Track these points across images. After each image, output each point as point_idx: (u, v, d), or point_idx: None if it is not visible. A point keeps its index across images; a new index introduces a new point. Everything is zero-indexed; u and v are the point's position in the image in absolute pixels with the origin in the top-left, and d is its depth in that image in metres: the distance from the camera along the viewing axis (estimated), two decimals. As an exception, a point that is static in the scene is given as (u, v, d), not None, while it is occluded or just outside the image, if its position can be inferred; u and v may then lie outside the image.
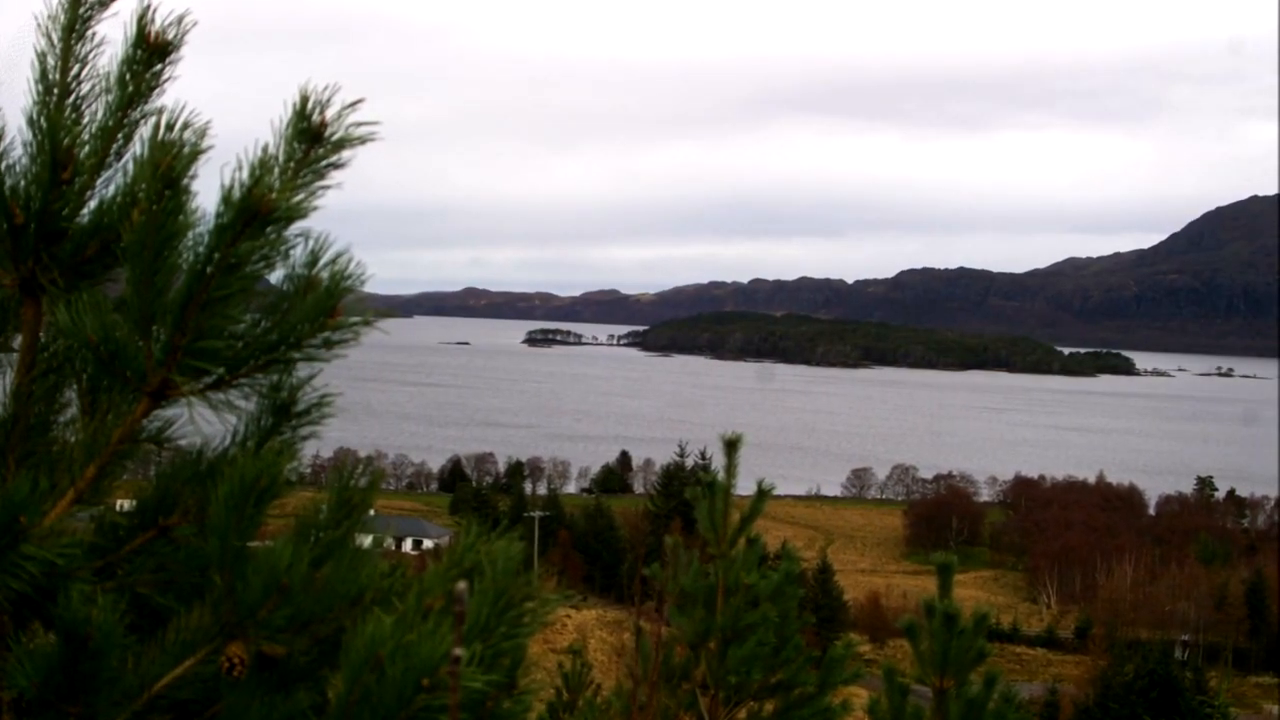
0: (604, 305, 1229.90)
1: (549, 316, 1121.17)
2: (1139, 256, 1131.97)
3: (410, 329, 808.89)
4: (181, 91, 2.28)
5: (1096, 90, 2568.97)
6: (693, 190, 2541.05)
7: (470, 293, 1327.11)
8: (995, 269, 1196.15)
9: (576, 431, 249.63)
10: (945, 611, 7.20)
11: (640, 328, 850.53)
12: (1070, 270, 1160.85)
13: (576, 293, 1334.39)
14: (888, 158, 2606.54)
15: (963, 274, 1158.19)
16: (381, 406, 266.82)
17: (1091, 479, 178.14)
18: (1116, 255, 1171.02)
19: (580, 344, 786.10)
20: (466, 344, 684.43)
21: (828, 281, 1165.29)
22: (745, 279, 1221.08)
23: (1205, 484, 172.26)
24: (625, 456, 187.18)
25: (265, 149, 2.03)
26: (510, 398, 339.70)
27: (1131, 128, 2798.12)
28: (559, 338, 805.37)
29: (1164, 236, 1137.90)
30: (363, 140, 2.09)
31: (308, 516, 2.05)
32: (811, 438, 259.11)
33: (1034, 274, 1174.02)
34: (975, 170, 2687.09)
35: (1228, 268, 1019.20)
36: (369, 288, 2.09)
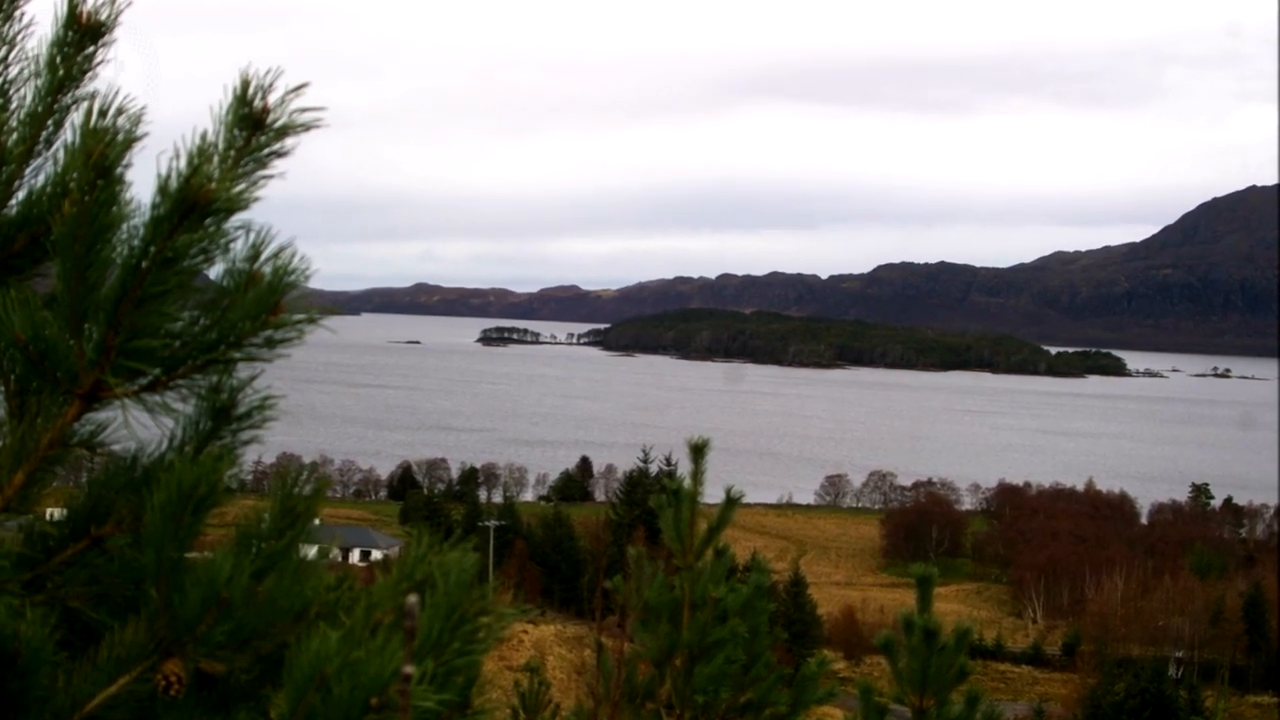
0: (563, 302, 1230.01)
1: (505, 314, 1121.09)
2: (1130, 250, 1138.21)
3: (358, 327, 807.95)
4: (115, 75, 2.28)
5: (1085, 73, 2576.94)
6: (657, 181, 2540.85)
7: (421, 289, 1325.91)
8: (978, 263, 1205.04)
9: (534, 436, 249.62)
10: (925, 627, 7.23)
11: (601, 326, 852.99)
12: (1057, 265, 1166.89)
13: (534, 289, 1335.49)
14: (863, 146, 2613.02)
15: (943, 269, 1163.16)
16: (327, 409, 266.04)
17: (1080, 486, 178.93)
18: (1106, 249, 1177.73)
19: (538, 343, 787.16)
20: (417, 343, 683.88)
21: (800, 277, 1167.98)
22: (713, 274, 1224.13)
23: (1200, 491, 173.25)
24: (585, 462, 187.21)
25: (204, 136, 2.02)
26: (464, 400, 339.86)
27: (1122, 113, 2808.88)
28: (515, 336, 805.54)
29: (1157, 229, 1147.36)
30: (307, 127, 2.08)
31: (249, 526, 2.04)
32: (783, 442, 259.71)
33: (1019, 269, 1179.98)
34: (956, 159, 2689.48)
35: (1224, 262, 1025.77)
36: (314, 283, 2.07)
